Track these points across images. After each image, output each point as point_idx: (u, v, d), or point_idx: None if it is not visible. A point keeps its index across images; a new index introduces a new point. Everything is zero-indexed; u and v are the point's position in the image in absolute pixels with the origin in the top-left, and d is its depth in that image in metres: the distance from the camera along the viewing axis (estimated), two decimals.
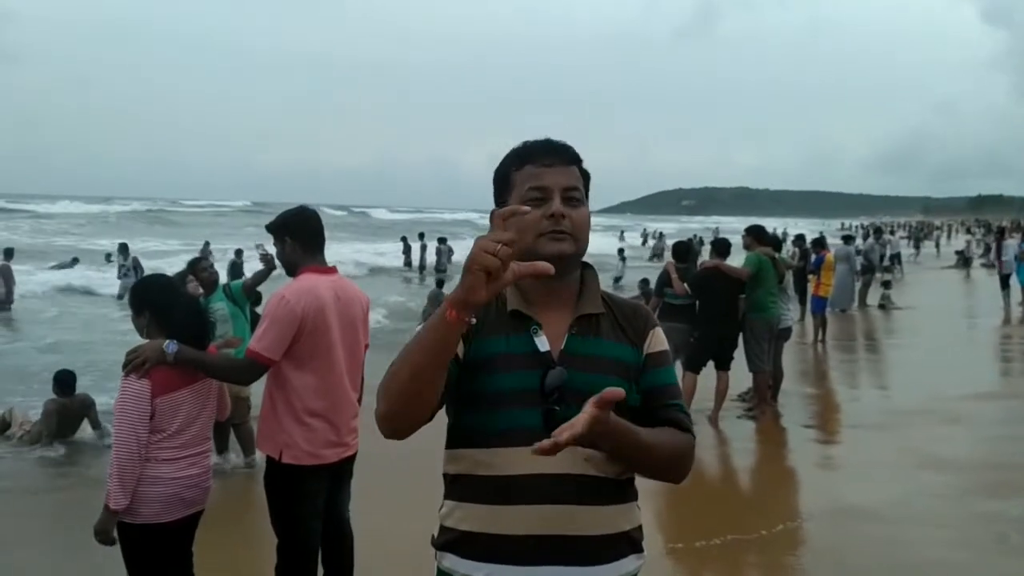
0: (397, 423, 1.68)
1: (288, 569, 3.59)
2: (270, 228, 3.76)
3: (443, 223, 58.56)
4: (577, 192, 1.82)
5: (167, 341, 3.25)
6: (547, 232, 1.77)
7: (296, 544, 3.58)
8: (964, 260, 30.48)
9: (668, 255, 10.29)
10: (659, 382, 1.85)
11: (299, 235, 3.68)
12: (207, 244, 24.94)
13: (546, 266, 1.53)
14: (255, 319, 6.83)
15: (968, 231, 54.03)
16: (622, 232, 50.54)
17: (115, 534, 3.25)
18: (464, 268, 1.50)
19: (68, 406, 7.35)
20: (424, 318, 14.07)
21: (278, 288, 3.60)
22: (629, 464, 1.77)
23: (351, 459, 3.75)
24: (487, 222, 1.86)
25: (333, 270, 3.73)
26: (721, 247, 8.63)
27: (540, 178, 1.80)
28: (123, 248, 20.53)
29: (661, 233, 43.65)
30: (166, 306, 3.39)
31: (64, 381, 7.46)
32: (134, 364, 3.21)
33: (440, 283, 17.41)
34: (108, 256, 22.88)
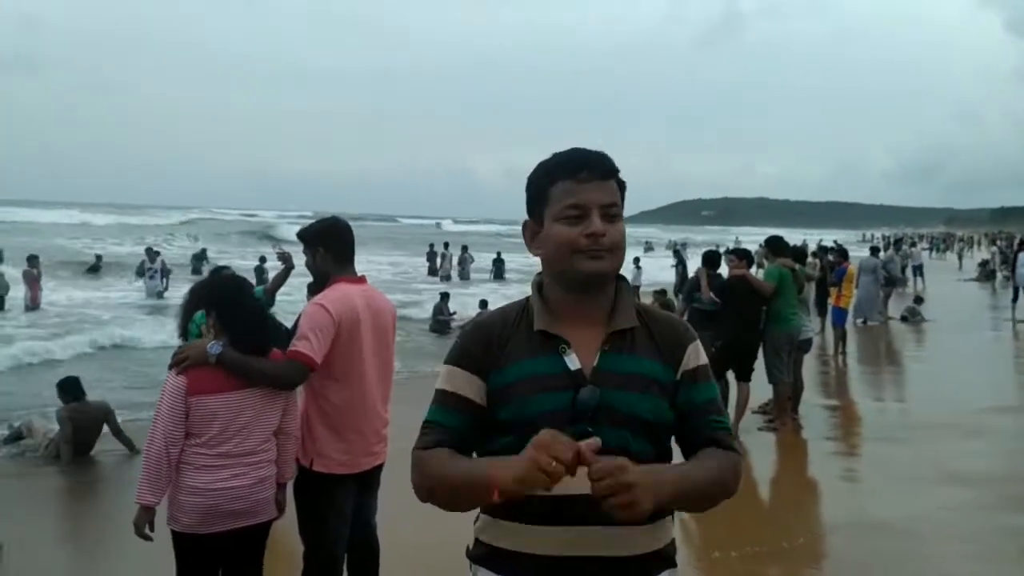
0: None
1: None
2: (303, 237, 3.75)
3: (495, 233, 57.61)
4: (615, 208, 1.77)
5: (212, 342, 3.27)
6: (585, 250, 1.72)
7: (323, 552, 3.61)
8: (988, 273, 30.01)
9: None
10: (700, 398, 1.81)
11: (332, 245, 3.68)
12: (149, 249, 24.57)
13: (594, 445, 1.57)
14: (274, 327, 6.84)
15: (993, 242, 53.46)
16: (651, 244, 49.18)
17: (147, 531, 3.26)
18: (522, 467, 1.55)
19: (83, 411, 7.27)
20: (430, 329, 13.92)
21: (313, 298, 3.61)
22: (684, 508, 1.81)
23: (379, 468, 3.78)
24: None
25: (363, 280, 3.75)
26: (709, 258, 8.92)
27: (577, 195, 1.73)
28: (150, 251, 21.26)
29: (684, 244, 43.39)
30: (230, 308, 3.37)
31: (69, 386, 7.37)
32: (175, 360, 3.27)
33: (444, 296, 17.31)
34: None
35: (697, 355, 1.84)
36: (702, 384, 1.82)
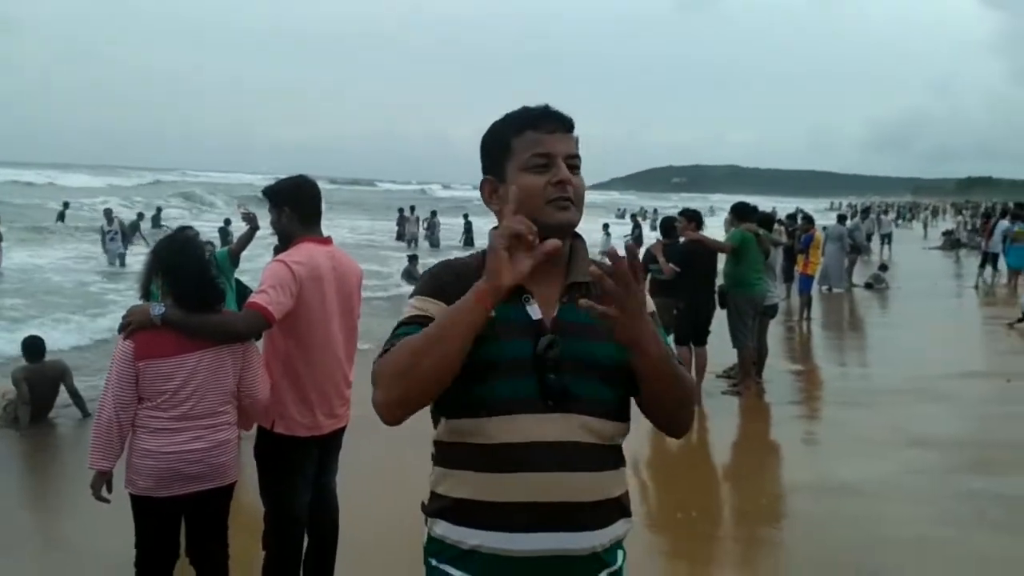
0: (410, 410, 1.69)
1: (276, 538, 3.61)
2: (268, 195, 3.67)
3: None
4: (578, 160, 1.81)
5: (155, 304, 3.22)
6: (553, 199, 1.76)
7: (284, 514, 3.59)
8: (953, 242, 30.27)
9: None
10: None
11: (298, 205, 3.62)
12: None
13: (555, 244, 1.64)
14: (242, 290, 6.76)
15: (959, 212, 54.07)
16: (624, 211, 48.17)
17: (104, 493, 3.25)
18: (488, 254, 1.64)
19: (39, 371, 7.23)
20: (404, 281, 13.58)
21: (276, 256, 3.54)
22: (651, 377, 1.73)
23: (341, 431, 3.75)
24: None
25: (329, 241, 3.68)
26: (666, 226, 8.95)
27: (544, 144, 1.78)
28: (108, 213, 20.44)
29: (655, 211, 43.16)
30: (174, 269, 3.31)
31: (32, 347, 7.34)
32: (121, 325, 3.23)
33: (413, 259, 17.26)
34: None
35: (648, 303, 1.87)
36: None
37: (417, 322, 1.74)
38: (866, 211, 28.28)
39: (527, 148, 1.78)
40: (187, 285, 3.27)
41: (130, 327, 3.20)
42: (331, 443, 3.73)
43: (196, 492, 3.29)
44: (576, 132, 1.86)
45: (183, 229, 7.05)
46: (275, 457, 3.56)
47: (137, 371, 3.17)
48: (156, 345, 3.19)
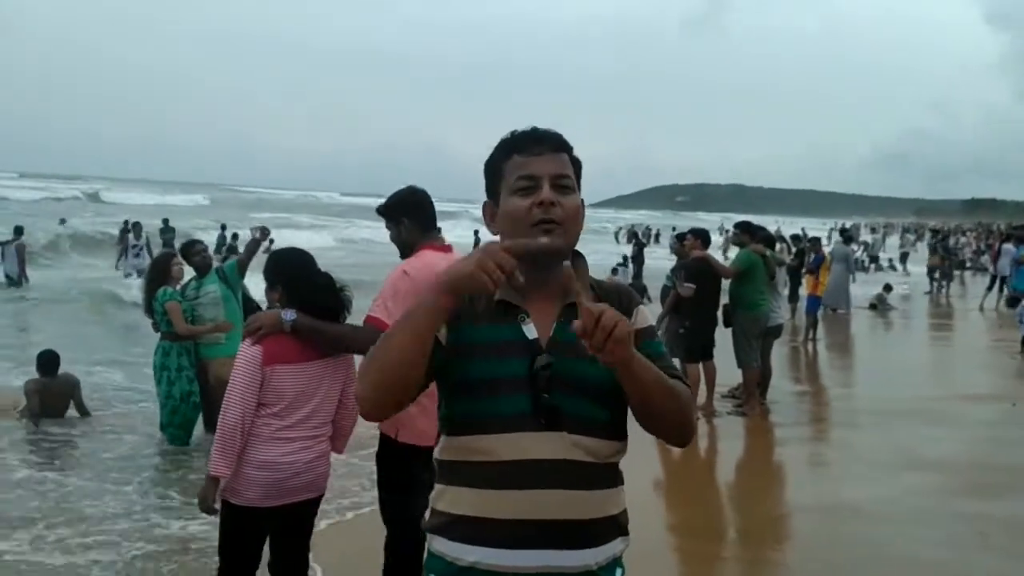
0: (383, 402, 1.75)
1: (398, 545, 3.55)
2: (384, 211, 3.67)
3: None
4: (567, 180, 1.82)
5: (286, 310, 3.22)
6: (537, 222, 1.77)
7: (410, 526, 3.55)
8: (956, 264, 30.02)
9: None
10: (652, 353, 1.84)
11: (415, 215, 3.62)
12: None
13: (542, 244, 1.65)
14: (247, 303, 6.81)
15: (963, 234, 53.91)
16: (631, 229, 44.52)
17: (215, 504, 3.21)
18: (469, 265, 1.62)
19: (50, 386, 7.36)
20: None
21: (401, 264, 3.51)
22: (642, 398, 1.74)
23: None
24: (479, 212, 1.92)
25: (450, 248, 3.66)
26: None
27: (528, 166, 1.81)
28: (136, 227, 19.92)
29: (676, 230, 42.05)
30: (297, 280, 3.32)
31: (47, 361, 7.43)
32: (250, 329, 3.22)
33: None
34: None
35: (645, 318, 1.92)
36: (652, 342, 1.89)
37: None
38: (844, 231, 27.92)
39: (514, 171, 1.82)
40: (310, 297, 3.27)
41: (260, 331, 3.19)
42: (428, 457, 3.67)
43: (294, 503, 3.26)
44: (575, 152, 1.89)
45: (193, 243, 7.14)
46: (398, 468, 3.47)
47: (264, 376, 3.16)
48: (283, 351, 3.18)
